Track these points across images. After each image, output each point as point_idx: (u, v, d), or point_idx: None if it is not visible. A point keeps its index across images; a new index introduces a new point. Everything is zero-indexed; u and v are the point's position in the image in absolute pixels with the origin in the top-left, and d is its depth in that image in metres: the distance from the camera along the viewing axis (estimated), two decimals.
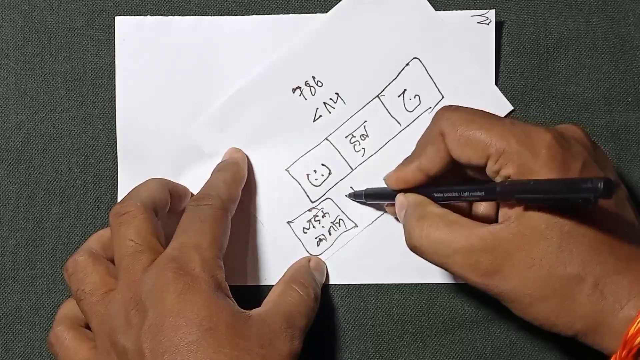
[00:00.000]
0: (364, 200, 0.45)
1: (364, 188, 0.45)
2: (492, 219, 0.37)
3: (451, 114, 0.37)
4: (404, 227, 0.38)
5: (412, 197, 0.39)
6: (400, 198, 0.40)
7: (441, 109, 0.38)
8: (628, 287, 0.33)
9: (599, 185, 0.28)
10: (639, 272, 0.33)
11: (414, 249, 0.38)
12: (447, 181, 0.39)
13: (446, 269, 0.36)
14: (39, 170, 0.46)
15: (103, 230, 0.42)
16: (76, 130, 0.46)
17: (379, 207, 0.45)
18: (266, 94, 0.45)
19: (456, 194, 0.37)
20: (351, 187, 0.45)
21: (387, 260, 0.45)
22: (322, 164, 0.46)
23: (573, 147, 0.35)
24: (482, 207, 0.41)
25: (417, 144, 0.40)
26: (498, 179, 0.36)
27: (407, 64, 0.45)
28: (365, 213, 0.46)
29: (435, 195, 0.38)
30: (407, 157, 0.40)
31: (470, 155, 0.36)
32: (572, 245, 0.33)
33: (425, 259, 0.37)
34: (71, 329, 0.39)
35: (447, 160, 0.37)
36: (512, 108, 0.45)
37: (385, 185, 0.41)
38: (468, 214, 0.40)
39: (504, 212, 0.35)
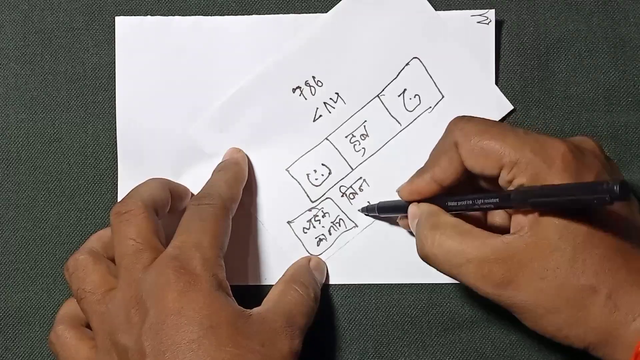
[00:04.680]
0: (376, 214, 0.45)
1: (376, 202, 0.45)
2: (507, 230, 0.37)
3: (464, 124, 0.37)
4: (416, 237, 0.38)
5: (425, 206, 0.39)
6: (412, 208, 0.40)
7: (454, 119, 0.38)
8: None
9: (615, 187, 0.28)
10: None
11: (425, 258, 0.37)
12: (460, 192, 0.39)
13: (458, 279, 0.36)
14: (39, 170, 0.46)
15: (104, 229, 0.42)
16: (76, 130, 0.46)
17: (391, 221, 0.45)
18: (266, 94, 0.45)
19: (470, 202, 0.37)
20: (351, 187, 0.45)
21: (387, 260, 0.45)
22: (322, 164, 0.46)
23: (587, 158, 0.35)
24: (497, 219, 0.41)
25: (430, 155, 0.40)
26: (511, 189, 0.35)
27: (407, 64, 0.45)
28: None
29: (449, 204, 0.38)
30: (420, 169, 0.40)
31: (483, 165, 0.36)
32: (585, 256, 0.33)
33: (437, 269, 0.37)
34: (72, 328, 0.39)
35: (461, 171, 0.38)
36: (513, 107, 0.45)
37: (397, 198, 0.41)
38: (483, 225, 0.40)
39: (516, 222, 0.35)
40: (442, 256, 0.36)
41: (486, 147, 0.36)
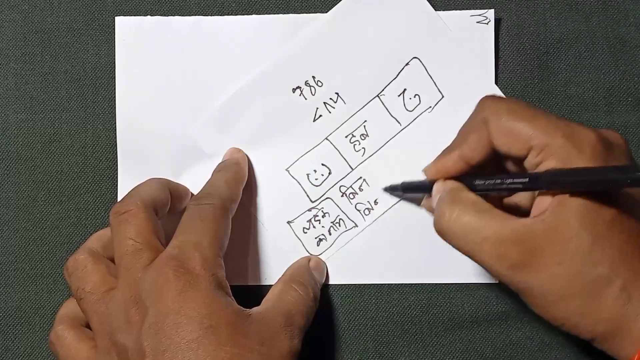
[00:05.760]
0: (400, 193, 0.44)
1: (399, 182, 0.44)
2: (524, 215, 0.37)
3: (495, 103, 0.37)
4: (434, 210, 0.38)
5: (450, 183, 0.38)
6: (438, 185, 0.39)
7: (484, 97, 0.38)
8: None
9: None
10: None
11: (440, 232, 0.37)
12: (485, 174, 0.38)
13: (471, 257, 0.36)
14: (39, 170, 0.46)
15: (103, 230, 0.42)
16: (76, 130, 0.46)
17: (415, 201, 0.45)
18: (266, 94, 0.45)
19: (498, 181, 0.36)
20: (351, 187, 0.45)
21: (387, 260, 0.45)
22: (322, 164, 0.46)
23: (614, 151, 0.35)
24: (516, 203, 0.40)
25: (458, 134, 0.39)
26: (536, 171, 0.35)
27: (407, 64, 0.45)
28: (365, 213, 0.46)
29: (477, 182, 0.37)
30: (447, 147, 0.39)
31: (512, 145, 0.35)
32: (604, 245, 0.33)
33: (451, 244, 0.36)
34: (72, 328, 0.38)
35: (489, 149, 0.37)
36: None
37: (423, 178, 0.41)
38: (500, 208, 0.40)
39: (538, 205, 0.35)
40: (458, 231, 0.36)
41: (516, 127, 0.35)
